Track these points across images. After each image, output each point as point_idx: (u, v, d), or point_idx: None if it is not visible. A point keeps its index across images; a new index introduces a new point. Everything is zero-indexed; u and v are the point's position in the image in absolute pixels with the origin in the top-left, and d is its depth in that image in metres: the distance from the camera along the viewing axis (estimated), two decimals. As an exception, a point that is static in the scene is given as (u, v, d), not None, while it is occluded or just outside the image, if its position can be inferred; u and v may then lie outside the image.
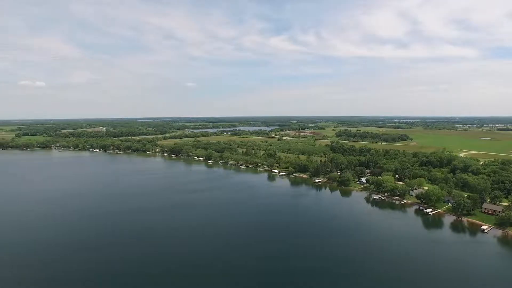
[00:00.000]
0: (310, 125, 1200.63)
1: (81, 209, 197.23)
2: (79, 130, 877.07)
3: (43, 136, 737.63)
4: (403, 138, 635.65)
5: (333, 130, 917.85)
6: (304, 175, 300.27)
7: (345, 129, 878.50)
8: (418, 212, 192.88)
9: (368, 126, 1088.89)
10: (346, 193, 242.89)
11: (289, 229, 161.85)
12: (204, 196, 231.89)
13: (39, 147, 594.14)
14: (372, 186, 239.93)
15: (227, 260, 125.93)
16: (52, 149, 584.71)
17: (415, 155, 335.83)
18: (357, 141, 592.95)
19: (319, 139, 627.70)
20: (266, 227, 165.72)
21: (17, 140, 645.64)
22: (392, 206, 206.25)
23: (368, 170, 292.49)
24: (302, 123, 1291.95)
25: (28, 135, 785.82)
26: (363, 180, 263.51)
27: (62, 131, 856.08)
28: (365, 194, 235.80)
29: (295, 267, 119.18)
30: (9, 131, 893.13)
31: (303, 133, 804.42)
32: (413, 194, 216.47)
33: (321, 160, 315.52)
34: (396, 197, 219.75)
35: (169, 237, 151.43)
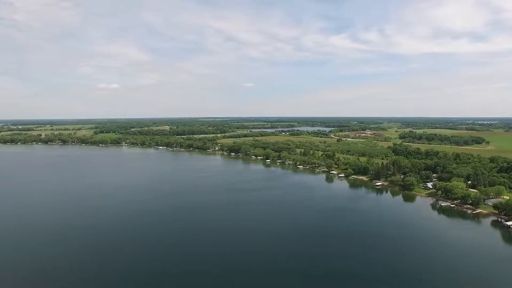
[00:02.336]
0: (371, 126, 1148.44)
1: (138, 204, 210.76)
2: (146, 128, 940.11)
3: (115, 134, 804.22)
4: (478, 141, 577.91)
5: (396, 131, 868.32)
6: (364, 178, 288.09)
7: (409, 131, 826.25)
8: (496, 224, 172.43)
9: (436, 128, 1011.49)
10: (409, 198, 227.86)
11: (346, 234, 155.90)
12: (260, 196, 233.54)
13: (112, 143, 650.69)
14: (439, 192, 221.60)
15: (276, 262, 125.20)
16: (122, 145, 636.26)
17: (492, 160, 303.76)
18: (423, 143, 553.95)
19: (381, 141, 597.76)
20: (322, 230, 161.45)
21: (94, 137, 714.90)
22: (463, 215, 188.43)
23: (434, 175, 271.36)
24: (362, 124, 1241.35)
25: (103, 132, 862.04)
26: (429, 185, 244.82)
27: (131, 129, 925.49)
28: (430, 200, 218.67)
29: (351, 273, 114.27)
30: (88, 129, 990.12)
31: (363, 134, 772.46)
32: (490, 204, 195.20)
33: (382, 163, 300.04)
34: (468, 206, 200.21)
35: (221, 235, 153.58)
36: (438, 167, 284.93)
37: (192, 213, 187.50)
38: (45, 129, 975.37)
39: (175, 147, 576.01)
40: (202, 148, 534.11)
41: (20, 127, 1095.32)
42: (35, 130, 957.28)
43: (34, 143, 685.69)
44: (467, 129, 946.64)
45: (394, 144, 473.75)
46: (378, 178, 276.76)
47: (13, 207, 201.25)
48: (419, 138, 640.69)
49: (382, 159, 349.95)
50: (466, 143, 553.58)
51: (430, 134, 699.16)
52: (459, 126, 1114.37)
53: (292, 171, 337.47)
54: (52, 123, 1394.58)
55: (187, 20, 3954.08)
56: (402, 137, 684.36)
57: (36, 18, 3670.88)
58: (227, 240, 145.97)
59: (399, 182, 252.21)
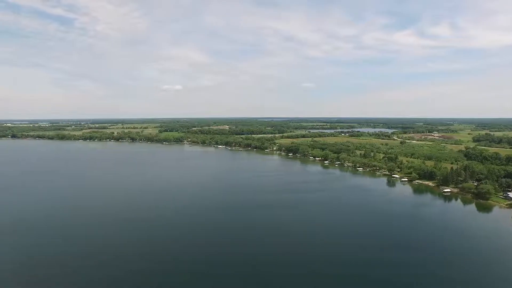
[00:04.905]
0: (439, 127, 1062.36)
1: (192, 200, 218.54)
2: (206, 127, 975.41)
3: (178, 133, 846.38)
4: None
5: (469, 134, 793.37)
6: (430, 183, 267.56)
7: (485, 133, 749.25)
8: None
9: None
10: (484, 208, 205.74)
11: (407, 242, 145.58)
12: (316, 197, 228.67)
13: (174, 141, 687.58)
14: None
15: (325, 266, 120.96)
16: (184, 143, 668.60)
17: None
18: (503, 147, 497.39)
19: (450, 144, 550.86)
20: (382, 236, 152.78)
21: (159, 135, 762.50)
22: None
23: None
24: (429, 126, 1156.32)
25: (167, 131, 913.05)
26: (511, 195, 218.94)
27: (193, 128, 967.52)
28: None
29: (408, 284, 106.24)
30: (154, 127, 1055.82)
31: (430, 137, 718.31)
32: None
33: (452, 167, 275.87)
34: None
35: (272, 236, 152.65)
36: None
37: (244, 212, 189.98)
38: (116, 128, 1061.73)
39: (234, 146, 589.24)
40: (260, 148, 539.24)
41: (97, 125, 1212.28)
42: (109, 128, 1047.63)
43: (108, 140, 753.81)
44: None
45: (467, 148, 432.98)
46: (446, 184, 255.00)
47: (76, 199, 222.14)
48: (498, 141, 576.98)
49: (452, 163, 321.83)
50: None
51: None
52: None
53: (351, 173, 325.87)
54: (123, 122, 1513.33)
55: (246, 22, 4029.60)
56: (476, 140, 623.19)
57: (113, 28, 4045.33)
58: (279, 240, 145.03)
59: (472, 190, 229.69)
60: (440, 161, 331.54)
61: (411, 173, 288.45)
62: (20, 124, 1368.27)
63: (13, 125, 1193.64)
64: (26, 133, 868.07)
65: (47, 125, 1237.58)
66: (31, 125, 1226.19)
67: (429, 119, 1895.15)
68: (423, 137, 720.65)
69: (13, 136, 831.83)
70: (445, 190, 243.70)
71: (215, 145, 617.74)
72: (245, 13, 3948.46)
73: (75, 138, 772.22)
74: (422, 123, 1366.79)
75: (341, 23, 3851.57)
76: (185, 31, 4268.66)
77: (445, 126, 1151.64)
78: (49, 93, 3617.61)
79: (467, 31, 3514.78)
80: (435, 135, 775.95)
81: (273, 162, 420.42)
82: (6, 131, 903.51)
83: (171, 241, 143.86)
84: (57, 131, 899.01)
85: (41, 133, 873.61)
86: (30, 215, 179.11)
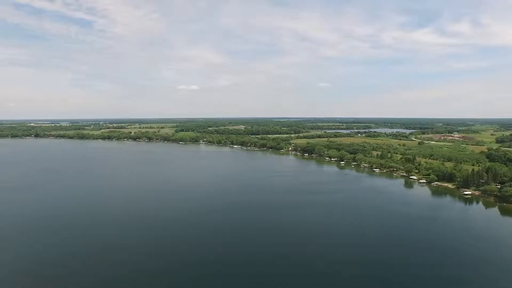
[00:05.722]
0: (460, 128, 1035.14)
1: (206, 200, 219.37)
2: (222, 127, 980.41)
3: (194, 133, 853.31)
4: None
5: (492, 135, 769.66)
6: (450, 185, 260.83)
7: (510, 134, 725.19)
8: None
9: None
10: (508, 212, 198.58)
11: (427, 246, 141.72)
12: (330, 198, 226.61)
13: (190, 141, 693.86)
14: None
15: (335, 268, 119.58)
16: (200, 143, 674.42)
17: None
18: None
19: (472, 145, 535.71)
20: (398, 239, 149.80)
21: (175, 135, 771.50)
22: None
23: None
24: (449, 126, 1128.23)
25: (183, 131, 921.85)
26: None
27: (209, 128, 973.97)
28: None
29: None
30: (170, 127, 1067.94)
31: (450, 137, 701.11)
32: None
33: (473, 169, 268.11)
34: None
35: (283, 236, 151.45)
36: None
37: (258, 213, 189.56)
38: (134, 127, 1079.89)
39: (249, 146, 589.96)
40: (276, 148, 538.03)
41: (115, 125, 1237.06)
42: (127, 128, 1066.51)
43: (125, 139, 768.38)
44: None
45: (489, 149, 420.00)
46: (467, 186, 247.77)
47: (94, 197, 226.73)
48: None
49: (473, 165, 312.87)
50: None
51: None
52: None
53: (367, 174, 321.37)
54: (140, 121, 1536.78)
55: (262, 22, 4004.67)
56: (499, 141, 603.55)
57: (130, 29, 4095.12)
58: (293, 241, 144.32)
59: (495, 193, 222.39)
60: (461, 163, 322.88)
61: (430, 175, 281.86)
62: (42, 123, 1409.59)
63: (36, 125, 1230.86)
64: (48, 133, 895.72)
65: (67, 125, 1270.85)
66: (53, 125, 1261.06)
67: (449, 120, 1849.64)
68: (442, 137, 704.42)
69: (36, 135, 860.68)
70: (466, 193, 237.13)
71: (231, 145, 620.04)
72: (261, 13, 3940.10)
73: (94, 137, 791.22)
74: (441, 124, 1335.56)
75: (357, 22, 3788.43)
76: (201, 32, 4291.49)
77: (466, 127, 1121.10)
78: (68, 94, 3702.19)
79: (490, 28, 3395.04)
80: (455, 135, 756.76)
81: (288, 162, 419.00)
82: (30, 130, 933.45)
83: (182, 240, 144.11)
84: (77, 131, 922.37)
85: (62, 132, 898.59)
86: (51, 213, 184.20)
